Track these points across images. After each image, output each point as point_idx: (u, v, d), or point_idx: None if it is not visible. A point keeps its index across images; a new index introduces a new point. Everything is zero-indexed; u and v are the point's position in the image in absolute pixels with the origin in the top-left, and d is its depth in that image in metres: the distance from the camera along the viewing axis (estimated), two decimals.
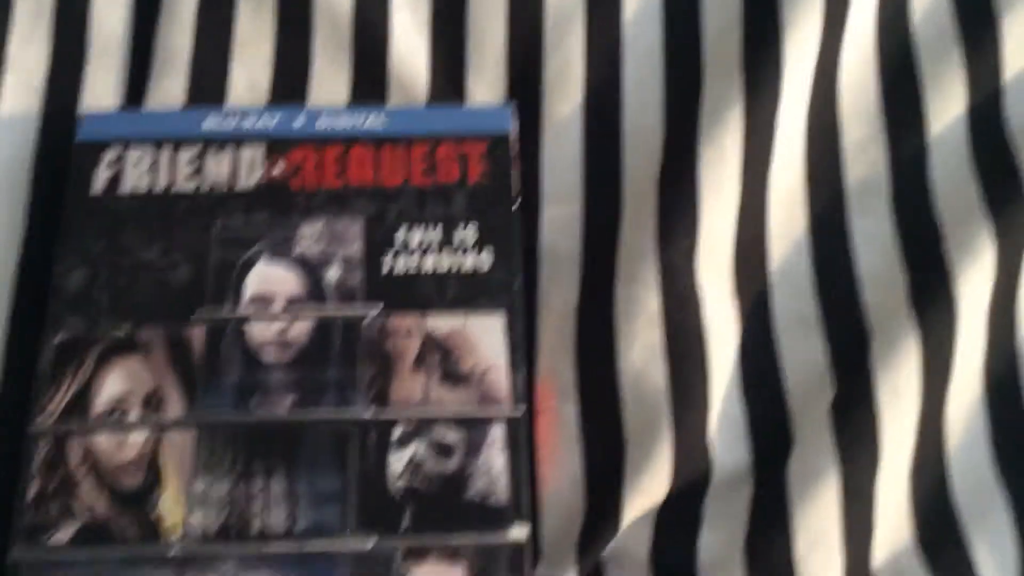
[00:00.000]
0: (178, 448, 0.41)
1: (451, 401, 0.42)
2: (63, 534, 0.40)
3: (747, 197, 0.47)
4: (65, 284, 0.44)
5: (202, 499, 0.40)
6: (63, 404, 0.42)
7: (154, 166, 0.46)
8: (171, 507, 0.40)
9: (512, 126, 0.48)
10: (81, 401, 0.42)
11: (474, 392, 0.42)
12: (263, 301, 0.44)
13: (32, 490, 0.40)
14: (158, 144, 0.47)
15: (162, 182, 0.46)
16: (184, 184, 0.46)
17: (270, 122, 0.48)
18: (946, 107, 0.50)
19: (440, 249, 0.45)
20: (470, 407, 0.42)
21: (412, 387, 0.42)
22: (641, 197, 0.47)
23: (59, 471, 0.40)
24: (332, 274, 0.44)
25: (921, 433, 0.43)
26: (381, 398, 0.42)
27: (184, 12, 0.51)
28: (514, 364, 0.43)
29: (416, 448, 0.41)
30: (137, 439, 0.41)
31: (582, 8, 0.52)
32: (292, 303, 0.44)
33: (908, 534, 0.42)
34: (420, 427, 0.42)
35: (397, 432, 0.41)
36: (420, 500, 0.40)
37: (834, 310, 0.46)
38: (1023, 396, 0.44)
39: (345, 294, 0.44)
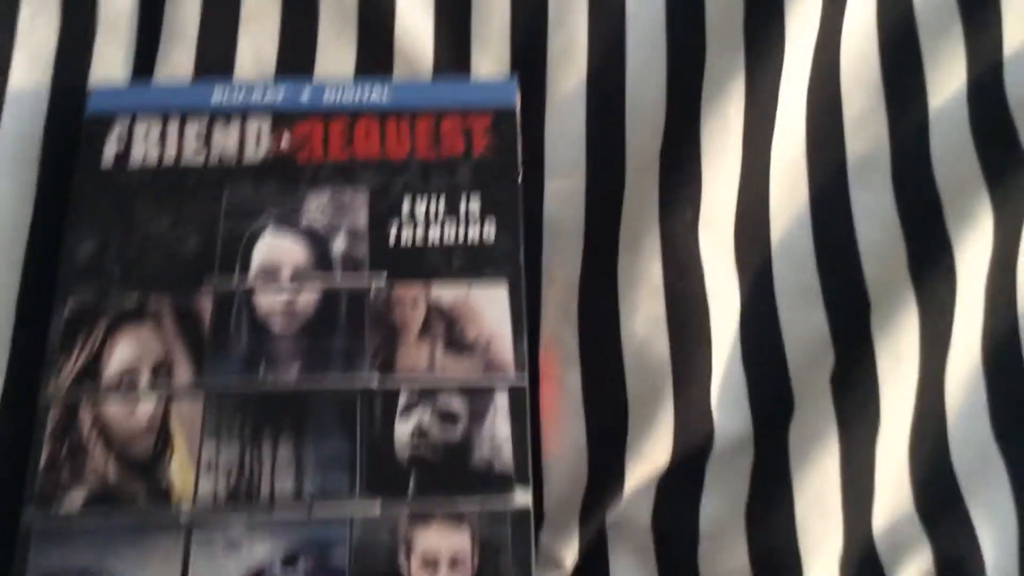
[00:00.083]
0: (187, 415, 0.41)
1: (456, 370, 0.43)
2: (74, 501, 0.40)
3: (749, 168, 0.47)
4: (75, 255, 0.44)
5: (211, 465, 0.41)
6: (74, 372, 0.42)
7: (162, 139, 0.47)
8: (180, 473, 0.40)
9: (516, 99, 0.49)
10: (92, 369, 0.42)
11: (478, 361, 0.43)
12: (270, 271, 0.44)
13: (43, 457, 0.41)
14: (166, 117, 0.47)
15: (170, 155, 0.47)
16: (192, 157, 0.46)
17: (277, 95, 0.48)
18: (947, 80, 0.50)
19: (445, 220, 0.45)
20: (475, 376, 0.42)
21: (417, 356, 0.43)
22: (644, 169, 0.48)
23: (70, 438, 0.41)
24: (338, 245, 0.45)
25: (921, 400, 0.44)
26: (387, 367, 0.42)
27: None
28: (518, 333, 0.43)
29: (421, 416, 0.42)
30: (147, 406, 0.42)
31: None
32: (299, 273, 0.44)
33: (908, 500, 0.43)
34: (425, 395, 0.42)
35: (403, 400, 0.42)
36: (426, 466, 0.41)
37: (835, 280, 0.46)
38: (1023, 363, 0.45)
39: (351, 264, 0.44)
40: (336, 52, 0.51)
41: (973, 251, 0.45)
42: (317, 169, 0.46)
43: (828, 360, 0.44)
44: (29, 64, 0.50)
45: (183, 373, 0.42)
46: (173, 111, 0.47)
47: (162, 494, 0.40)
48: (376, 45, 0.51)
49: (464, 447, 0.41)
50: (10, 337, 0.45)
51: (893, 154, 0.49)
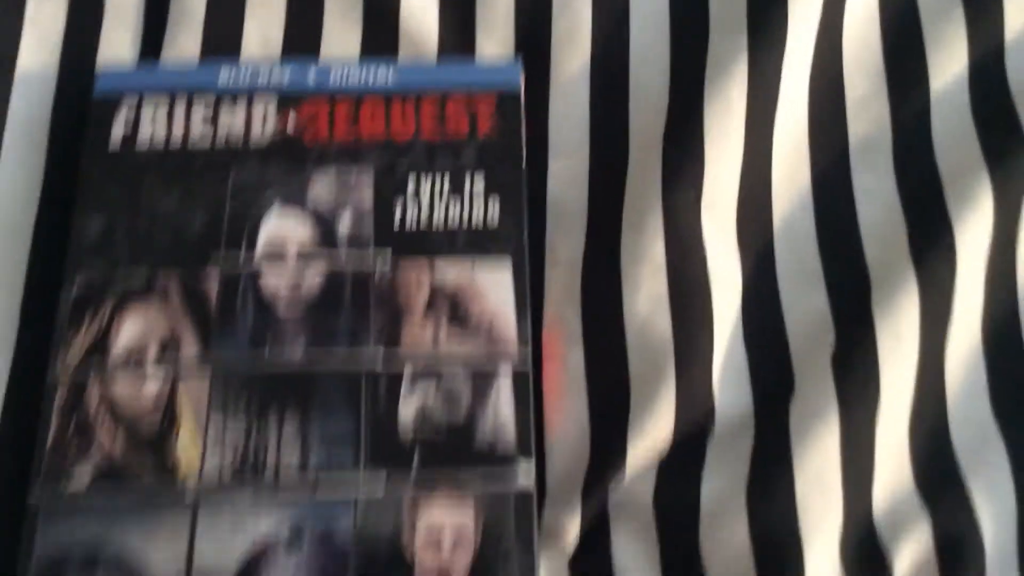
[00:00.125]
0: (194, 393, 0.42)
1: (460, 348, 0.43)
2: (81, 478, 0.40)
3: (751, 150, 0.48)
4: (83, 233, 0.45)
5: (217, 442, 0.41)
6: (82, 350, 0.42)
7: (169, 120, 0.47)
8: (187, 450, 0.41)
9: (520, 81, 0.49)
10: (99, 347, 0.42)
11: (482, 340, 0.43)
12: (276, 249, 0.44)
13: (51, 435, 0.41)
14: (173, 98, 0.48)
15: (177, 135, 0.47)
16: (199, 137, 0.47)
17: (283, 77, 0.48)
18: (948, 64, 0.50)
19: (449, 201, 0.46)
20: (478, 354, 0.43)
21: (422, 335, 0.43)
22: (647, 149, 0.48)
23: (78, 416, 0.41)
24: (344, 224, 0.45)
25: (921, 379, 0.44)
26: (392, 345, 0.43)
27: None
28: (521, 312, 0.43)
29: (426, 394, 0.42)
30: (154, 384, 0.42)
31: None
32: (304, 251, 0.45)
33: (908, 478, 0.43)
34: (429, 374, 0.42)
35: (407, 378, 0.42)
36: (429, 443, 0.41)
37: (836, 261, 0.47)
38: (1022, 343, 0.45)
39: (356, 243, 0.45)
40: (342, 34, 0.51)
41: (973, 232, 0.45)
42: (323, 150, 0.46)
43: (829, 340, 0.45)
44: (37, 46, 0.50)
45: (190, 350, 0.42)
46: (180, 92, 0.48)
47: (168, 471, 0.40)
48: (381, 27, 0.51)
49: (468, 425, 0.41)
50: (19, 316, 0.45)
51: (895, 137, 0.49)
